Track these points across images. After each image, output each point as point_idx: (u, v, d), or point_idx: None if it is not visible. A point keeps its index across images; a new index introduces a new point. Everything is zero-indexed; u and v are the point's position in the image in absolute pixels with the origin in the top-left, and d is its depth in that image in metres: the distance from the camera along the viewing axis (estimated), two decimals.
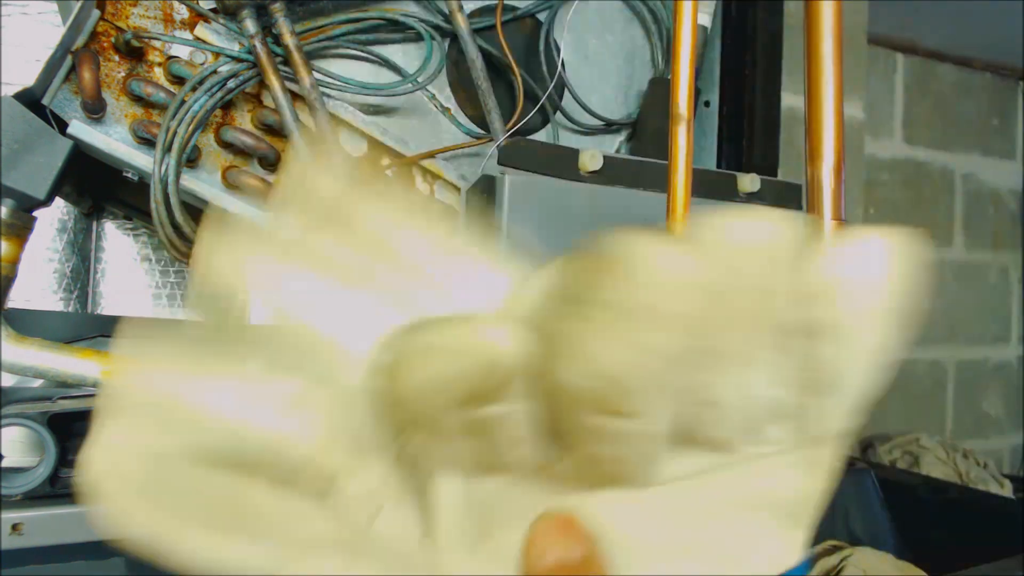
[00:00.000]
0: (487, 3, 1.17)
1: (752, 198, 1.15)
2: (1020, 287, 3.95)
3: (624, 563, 0.29)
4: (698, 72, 1.38)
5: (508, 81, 1.20)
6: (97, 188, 1.51)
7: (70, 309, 1.66)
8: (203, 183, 0.98)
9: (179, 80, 0.96)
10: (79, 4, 0.89)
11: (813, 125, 0.72)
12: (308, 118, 1.00)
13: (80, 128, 0.91)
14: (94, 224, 1.68)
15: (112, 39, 0.93)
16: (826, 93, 0.71)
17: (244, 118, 1.01)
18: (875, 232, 0.28)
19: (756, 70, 1.37)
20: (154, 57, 0.96)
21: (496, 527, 0.29)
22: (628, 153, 1.33)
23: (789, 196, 1.19)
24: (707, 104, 1.44)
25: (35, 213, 0.91)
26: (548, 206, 0.97)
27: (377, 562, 0.28)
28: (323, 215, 0.30)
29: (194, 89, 0.93)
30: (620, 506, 0.30)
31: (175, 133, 0.91)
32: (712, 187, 1.12)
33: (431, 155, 1.10)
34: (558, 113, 1.27)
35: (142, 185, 0.96)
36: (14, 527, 0.71)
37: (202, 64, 0.97)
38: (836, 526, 1.31)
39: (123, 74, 0.94)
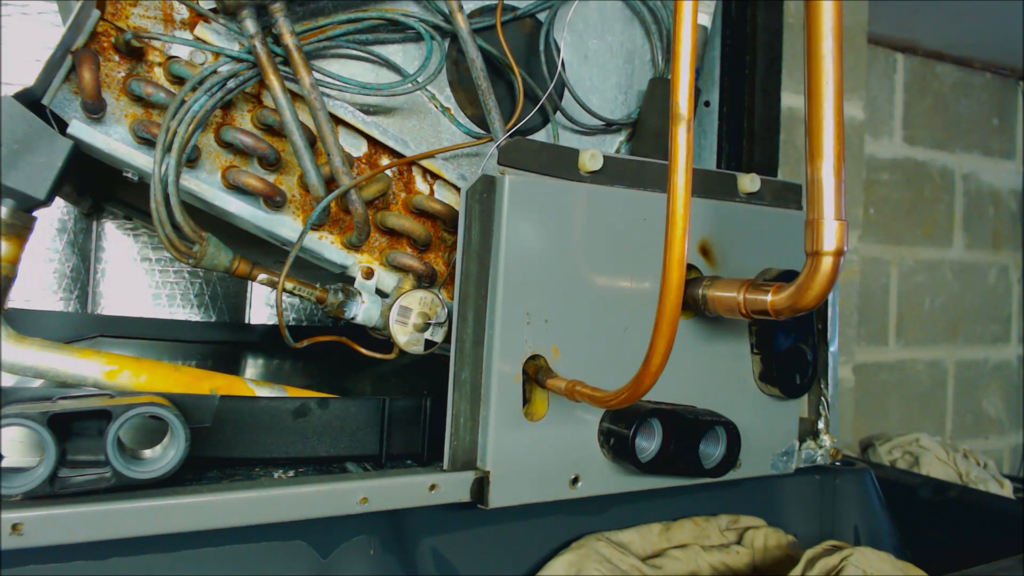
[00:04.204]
0: (487, 3, 1.17)
1: (752, 198, 1.15)
2: (1020, 287, 3.95)
3: None
4: (698, 72, 1.38)
5: (508, 81, 1.20)
6: (97, 188, 1.51)
7: (70, 309, 1.66)
8: (203, 183, 0.98)
9: (179, 80, 0.96)
10: (79, 4, 0.89)
11: (813, 125, 0.72)
12: (308, 118, 1.00)
13: (80, 128, 0.91)
14: (94, 224, 1.69)
15: (112, 39, 0.93)
16: (826, 93, 0.71)
17: (244, 118, 1.01)
18: None
19: (756, 70, 1.37)
20: (154, 57, 0.96)
21: None
22: (628, 153, 1.33)
23: (789, 196, 1.19)
24: (707, 104, 1.44)
25: (35, 213, 0.91)
26: (548, 206, 0.97)
27: None
28: None
29: (194, 89, 0.93)
30: None
31: (175, 133, 0.91)
32: (712, 187, 1.12)
33: (431, 155, 1.10)
34: (558, 113, 1.27)
35: (142, 185, 0.96)
36: (14, 527, 0.71)
37: (202, 64, 0.97)
38: (836, 526, 1.31)
39: (123, 74, 0.94)
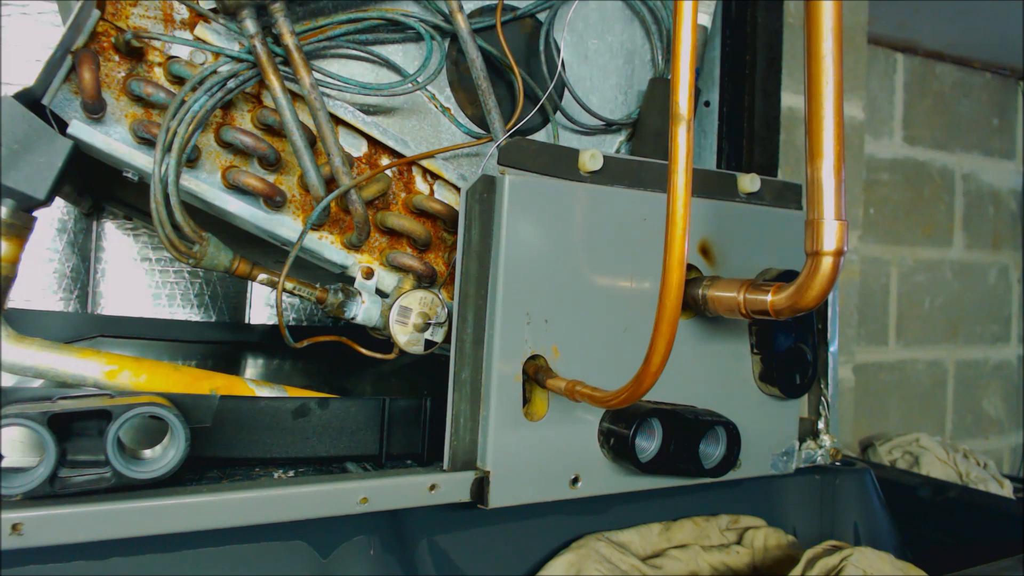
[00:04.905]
0: (487, 3, 1.17)
1: (752, 198, 1.15)
2: (1020, 287, 3.95)
3: None
4: (698, 72, 1.38)
5: (508, 81, 1.20)
6: (97, 188, 1.51)
7: (70, 309, 1.66)
8: (203, 183, 0.98)
9: (179, 80, 0.96)
10: (79, 4, 0.89)
11: (813, 125, 0.72)
12: (308, 118, 1.00)
13: (80, 128, 0.91)
14: (94, 224, 1.69)
15: (112, 39, 0.93)
16: (826, 93, 0.71)
17: (244, 118, 1.01)
18: None
19: (756, 70, 1.37)
20: (154, 57, 0.96)
21: None
22: (628, 153, 1.33)
23: (789, 196, 1.19)
24: (707, 104, 1.44)
25: (35, 213, 0.91)
26: (548, 206, 0.97)
27: None
28: None
29: (194, 89, 0.93)
30: None
31: (175, 133, 0.91)
32: (712, 187, 1.12)
33: (431, 155, 1.10)
34: (558, 113, 1.27)
35: (142, 185, 0.96)
36: (14, 527, 0.71)
37: (202, 64, 0.97)
38: (836, 526, 1.31)
39: (123, 74, 0.94)
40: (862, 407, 3.35)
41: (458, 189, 1.12)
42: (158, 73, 0.96)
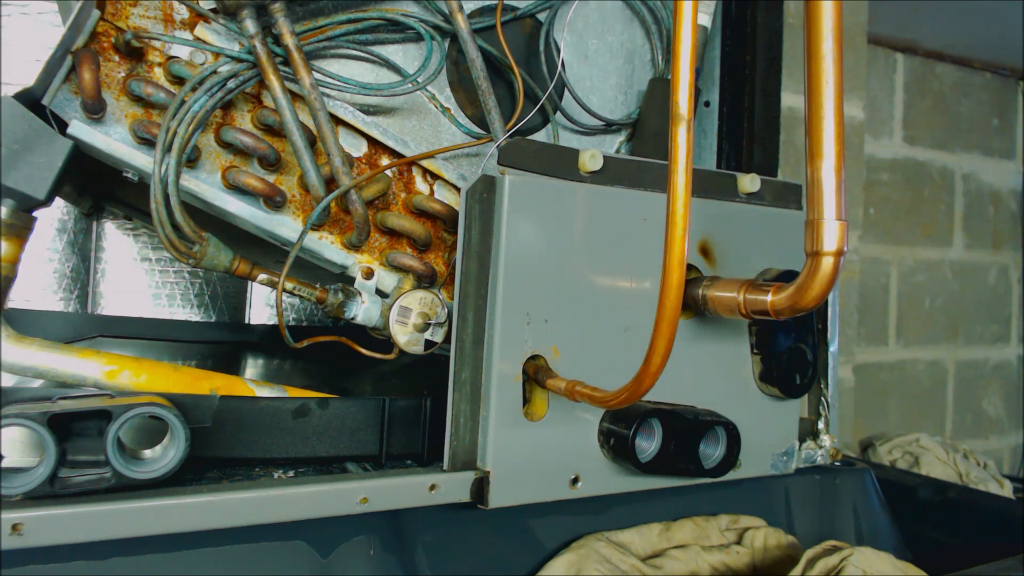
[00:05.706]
0: (487, 3, 1.17)
1: (752, 198, 1.15)
2: (1020, 287, 3.95)
3: None
4: (698, 72, 1.38)
5: (508, 81, 1.20)
6: (97, 188, 1.51)
7: (70, 309, 1.66)
8: (203, 183, 0.98)
9: (179, 80, 0.96)
10: (79, 4, 0.89)
11: (813, 125, 0.72)
12: (308, 118, 1.00)
13: (80, 128, 0.91)
14: (94, 224, 1.69)
15: (112, 39, 0.93)
16: (826, 93, 0.71)
17: (244, 118, 1.01)
18: None
19: (756, 70, 1.37)
20: (154, 57, 0.96)
21: None
22: (628, 153, 1.33)
23: (789, 196, 1.19)
24: (707, 104, 1.44)
25: (35, 213, 0.91)
26: (548, 206, 0.97)
27: None
28: None
29: (194, 89, 0.93)
30: None
31: (175, 133, 0.91)
32: (712, 187, 1.12)
33: (431, 155, 1.10)
34: (558, 113, 1.27)
35: (142, 185, 0.96)
36: (14, 527, 0.71)
37: (202, 64, 0.97)
38: (836, 526, 1.31)
39: (123, 74, 0.94)
40: (862, 407, 3.35)
41: (458, 189, 1.12)
42: (158, 73, 0.96)
